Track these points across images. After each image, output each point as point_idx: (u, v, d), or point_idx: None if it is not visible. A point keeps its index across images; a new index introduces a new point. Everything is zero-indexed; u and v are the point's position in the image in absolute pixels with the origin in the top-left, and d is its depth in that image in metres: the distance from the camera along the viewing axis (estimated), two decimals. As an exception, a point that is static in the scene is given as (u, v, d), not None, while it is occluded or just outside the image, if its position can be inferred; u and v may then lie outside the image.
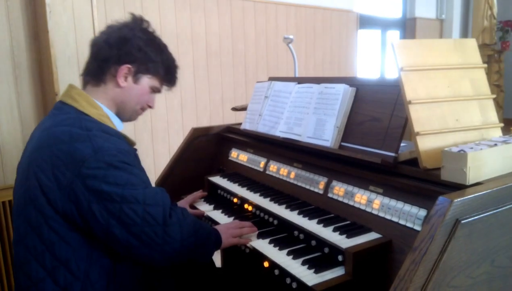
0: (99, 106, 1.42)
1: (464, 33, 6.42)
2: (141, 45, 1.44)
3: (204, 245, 1.45)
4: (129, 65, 1.44)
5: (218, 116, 3.89)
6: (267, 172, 1.98)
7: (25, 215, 1.29)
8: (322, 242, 1.39)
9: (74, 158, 1.23)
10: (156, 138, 3.52)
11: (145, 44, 1.46)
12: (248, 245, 1.55)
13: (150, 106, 1.58)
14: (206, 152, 2.37)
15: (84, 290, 1.28)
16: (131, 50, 1.43)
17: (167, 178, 2.25)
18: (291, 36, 2.45)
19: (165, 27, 3.43)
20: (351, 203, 1.50)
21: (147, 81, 1.50)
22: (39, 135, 1.36)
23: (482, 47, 5.50)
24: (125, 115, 1.53)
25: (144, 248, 1.28)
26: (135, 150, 1.50)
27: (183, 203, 1.97)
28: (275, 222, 1.64)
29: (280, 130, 1.88)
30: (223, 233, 1.54)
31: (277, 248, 1.47)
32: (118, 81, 1.44)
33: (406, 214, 1.30)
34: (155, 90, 1.55)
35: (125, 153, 1.31)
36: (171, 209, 1.36)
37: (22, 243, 1.30)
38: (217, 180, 2.12)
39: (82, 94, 1.42)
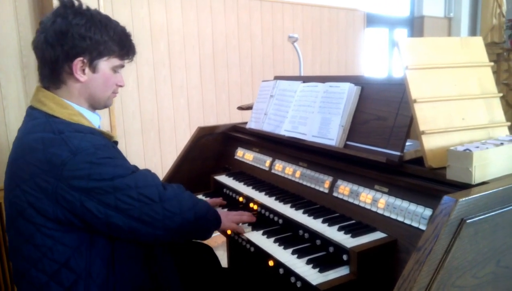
0: (69, 105, 1.37)
1: (473, 32, 6.35)
2: (83, 31, 1.32)
3: (203, 219, 1.47)
4: (80, 58, 1.34)
5: (224, 115, 3.89)
6: (272, 171, 1.98)
7: (16, 227, 1.29)
8: (327, 241, 1.39)
9: (52, 164, 1.21)
10: (163, 137, 3.53)
11: (86, 28, 1.33)
12: (242, 236, 1.60)
13: (120, 86, 1.50)
14: (212, 151, 2.38)
15: (87, 286, 1.29)
16: (75, 42, 1.31)
17: (173, 176, 2.26)
18: (296, 35, 2.45)
19: (171, 26, 3.44)
20: (356, 202, 1.50)
21: (105, 65, 1.40)
22: (15, 145, 1.34)
23: (491, 45, 5.44)
24: (99, 104, 1.46)
25: (147, 228, 1.30)
26: (116, 143, 1.48)
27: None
28: (280, 221, 1.64)
29: (285, 129, 1.88)
30: (223, 216, 1.60)
31: (282, 247, 1.47)
32: (76, 77, 1.35)
33: (412, 213, 1.29)
34: (117, 69, 1.45)
35: (102, 147, 1.29)
36: (165, 186, 1.39)
37: (18, 254, 1.30)
38: (223, 178, 2.12)
39: (49, 95, 1.36)
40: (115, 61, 1.43)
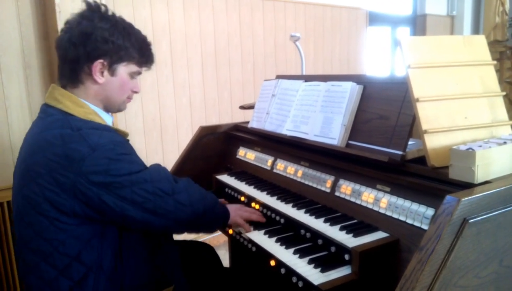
0: (85, 104, 1.40)
1: (476, 30, 6.33)
2: (106, 35, 1.37)
3: (212, 211, 1.54)
4: (101, 60, 1.38)
5: (226, 114, 3.89)
6: (274, 170, 1.97)
7: (27, 221, 1.30)
8: (328, 241, 1.39)
9: (72, 158, 1.25)
10: (165, 136, 3.53)
11: (109, 33, 1.38)
12: (244, 236, 1.62)
13: (135, 92, 1.54)
14: (214, 150, 2.38)
15: (97, 278, 1.31)
16: (97, 44, 1.36)
17: (175, 175, 2.26)
18: (298, 34, 2.44)
19: (173, 25, 3.44)
20: (358, 201, 1.49)
21: (123, 69, 1.44)
22: (30, 141, 1.37)
23: (494, 43, 5.42)
24: (113, 108, 1.50)
25: (160, 220, 1.37)
26: (128, 140, 1.51)
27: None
28: (282, 220, 1.63)
29: (287, 129, 1.88)
30: (232, 211, 1.66)
31: (284, 246, 1.47)
32: (95, 79, 1.39)
33: (414, 212, 1.29)
34: (135, 75, 1.50)
35: (120, 144, 1.34)
36: (175, 179, 1.46)
37: (27, 248, 1.32)
38: (225, 178, 2.12)
39: (65, 94, 1.39)
40: (133, 68, 1.47)
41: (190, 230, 1.57)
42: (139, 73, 1.52)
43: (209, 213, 1.52)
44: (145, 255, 1.45)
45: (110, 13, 1.44)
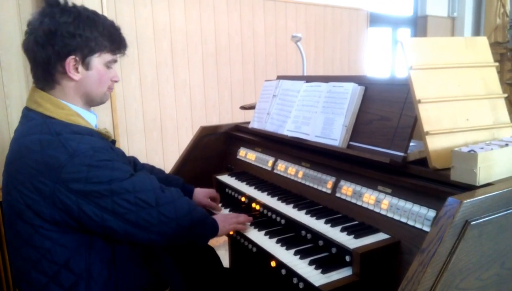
0: (66, 105, 1.36)
1: (476, 31, 6.33)
2: (72, 29, 1.30)
3: (200, 226, 1.48)
4: (72, 56, 1.32)
5: (227, 114, 3.89)
6: (275, 171, 1.97)
7: (14, 228, 1.28)
8: (329, 242, 1.38)
9: (50, 166, 1.21)
10: (166, 136, 3.53)
11: (74, 26, 1.31)
12: (246, 236, 1.60)
13: (115, 81, 1.48)
14: (215, 151, 2.38)
15: (88, 286, 1.29)
16: (65, 40, 1.30)
17: (176, 175, 2.25)
18: (299, 35, 2.44)
19: (174, 25, 3.43)
20: (359, 203, 1.49)
21: (98, 61, 1.38)
22: (11, 147, 1.34)
23: (495, 45, 5.41)
24: (95, 101, 1.45)
25: (142, 232, 1.30)
26: (114, 142, 1.48)
27: (203, 192, 1.93)
28: (283, 221, 1.63)
29: (288, 129, 1.88)
30: (220, 221, 1.59)
31: (284, 247, 1.47)
32: (70, 76, 1.34)
33: (415, 214, 1.28)
34: (110, 64, 1.43)
35: (101, 150, 1.28)
36: (163, 189, 1.39)
37: (17, 255, 1.30)
38: (225, 178, 2.12)
39: (45, 96, 1.35)
40: (107, 57, 1.41)
41: (176, 244, 1.49)
42: (115, 61, 1.45)
43: (197, 227, 1.46)
44: (139, 261, 1.43)
45: (70, 4, 1.36)
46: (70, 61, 1.32)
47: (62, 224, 1.24)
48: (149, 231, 1.31)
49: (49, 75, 1.35)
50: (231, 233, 1.67)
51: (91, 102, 1.44)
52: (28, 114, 1.35)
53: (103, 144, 1.33)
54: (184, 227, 1.40)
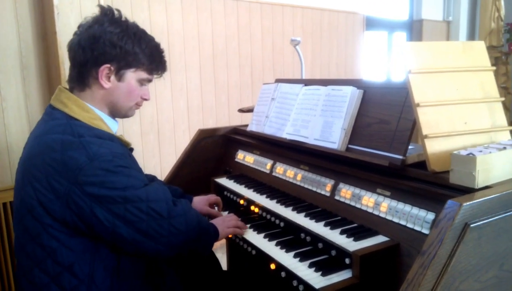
0: (90, 109, 1.38)
1: (471, 35, 6.38)
2: (114, 40, 1.35)
3: (205, 235, 1.49)
4: (108, 65, 1.36)
5: (224, 117, 3.89)
6: (273, 174, 1.97)
7: (23, 224, 1.28)
8: (329, 245, 1.39)
9: (69, 166, 1.22)
10: (163, 140, 3.53)
11: (118, 37, 1.36)
12: (240, 237, 1.63)
13: (145, 99, 1.51)
14: (213, 153, 2.38)
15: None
16: (105, 48, 1.35)
17: (173, 179, 2.26)
18: (298, 38, 2.45)
19: (171, 28, 3.44)
20: (358, 205, 1.50)
21: (132, 76, 1.41)
22: (31, 143, 1.34)
23: (489, 49, 5.46)
24: (120, 113, 1.48)
25: (149, 242, 1.30)
26: (132, 149, 1.49)
27: (202, 201, 1.91)
28: (282, 224, 1.64)
29: (286, 132, 1.88)
30: (219, 225, 1.60)
31: (284, 250, 1.47)
32: (101, 83, 1.38)
33: (414, 217, 1.29)
34: (144, 82, 1.46)
35: (120, 156, 1.29)
36: (175, 201, 1.39)
37: (23, 251, 1.30)
38: (224, 181, 2.12)
39: (71, 97, 1.38)
40: (143, 74, 1.44)
41: (181, 254, 1.46)
42: (149, 80, 1.48)
43: (203, 237, 1.47)
44: (143, 274, 1.42)
45: (123, 18, 1.42)
46: (105, 69, 1.36)
47: (71, 225, 1.24)
48: (157, 241, 1.31)
49: (82, 78, 1.39)
50: (230, 235, 1.67)
51: (115, 112, 1.46)
52: (52, 112, 1.37)
53: (122, 150, 1.34)
54: (192, 239, 1.40)
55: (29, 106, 2.74)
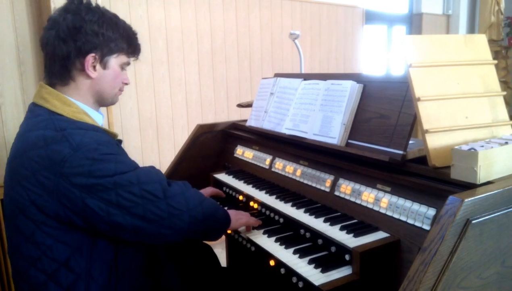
0: (73, 103, 1.35)
1: (471, 29, 6.35)
2: (95, 28, 1.33)
3: (212, 218, 1.43)
4: (92, 54, 1.34)
5: (223, 112, 3.87)
6: (272, 169, 1.96)
7: (15, 225, 1.26)
8: (328, 241, 1.38)
9: (53, 160, 1.19)
10: (161, 135, 3.51)
11: (98, 25, 1.34)
12: (242, 235, 1.60)
13: (126, 84, 1.50)
14: (211, 149, 2.36)
15: (87, 287, 1.27)
16: (88, 37, 1.32)
17: (172, 175, 2.24)
18: (297, 32, 2.43)
19: (170, 23, 3.41)
20: (358, 201, 1.49)
21: (115, 61, 1.41)
22: (16, 142, 1.33)
23: (489, 43, 5.39)
24: (106, 101, 1.46)
25: (152, 227, 1.26)
26: (120, 141, 1.46)
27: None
28: (281, 220, 1.62)
29: (286, 127, 1.87)
30: (233, 215, 1.56)
31: (283, 246, 1.46)
32: (87, 74, 1.35)
33: (415, 213, 1.28)
34: (125, 66, 1.47)
35: (105, 143, 1.27)
36: (169, 183, 1.35)
37: (17, 252, 1.28)
38: (222, 177, 2.11)
39: (52, 93, 1.34)
40: (123, 58, 1.44)
41: (190, 238, 1.41)
42: (128, 64, 1.49)
43: (209, 219, 1.40)
44: (141, 268, 1.40)
45: (94, 4, 1.39)
46: (90, 58, 1.34)
47: (65, 220, 1.22)
48: (159, 224, 1.26)
49: (66, 71, 1.35)
50: (229, 231, 1.66)
51: (102, 101, 1.44)
52: (34, 109, 1.35)
53: (107, 138, 1.31)
54: (196, 219, 1.35)
55: (26, 102, 2.72)
